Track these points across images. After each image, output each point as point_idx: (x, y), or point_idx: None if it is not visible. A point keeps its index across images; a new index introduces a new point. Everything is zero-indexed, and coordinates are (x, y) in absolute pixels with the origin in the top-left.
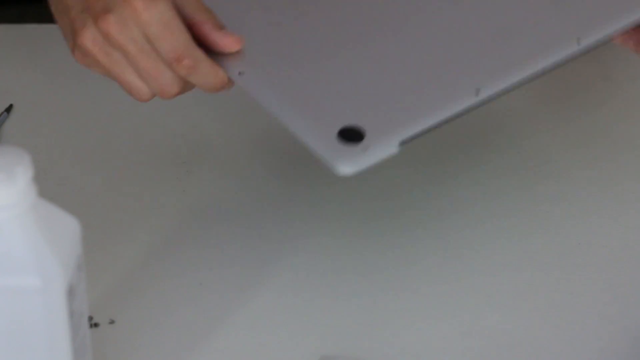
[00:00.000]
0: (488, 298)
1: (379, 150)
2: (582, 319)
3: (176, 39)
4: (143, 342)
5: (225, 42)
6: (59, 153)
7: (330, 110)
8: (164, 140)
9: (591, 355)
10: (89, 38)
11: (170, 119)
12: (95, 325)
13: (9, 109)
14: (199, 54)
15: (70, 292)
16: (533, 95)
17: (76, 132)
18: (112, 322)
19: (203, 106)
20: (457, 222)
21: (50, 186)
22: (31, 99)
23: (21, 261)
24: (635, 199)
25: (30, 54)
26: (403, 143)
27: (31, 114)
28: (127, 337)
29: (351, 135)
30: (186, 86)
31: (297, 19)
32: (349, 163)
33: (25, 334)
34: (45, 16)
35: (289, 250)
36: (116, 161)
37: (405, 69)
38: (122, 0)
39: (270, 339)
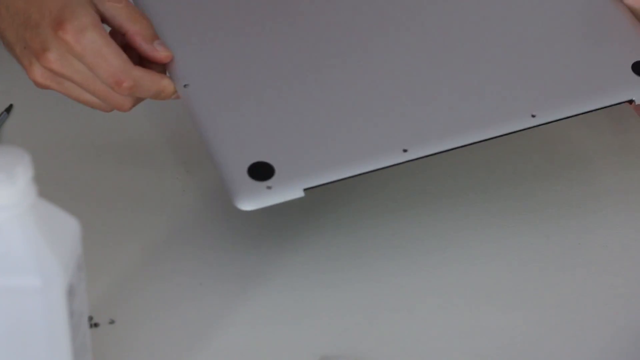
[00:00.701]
0: (488, 298)
1: (282, 192)
2: (582, 318)
3: (110, 65)
4: (143, 342)
5: (154, 55)
6: (59, 153)
7: (251, 143)
8: (163, 140)
9: (592, 355)
10: (38, 74)
11: (170, 119)
12: (95, 325)
13: (9, 109)
14: (137, 72)
15: (70, 292)
16: None
17: (76, 132)
18: (112, 322)
19: None
20: (457, 222)
21: (50, 186)
22: (31, 99)
23: (21, 261)
24: (636, 198)
25: None
26: (310, 189)
27: (31, 114)
28: (127, 337)
29: (260, 172)
30: (138, 99)
31: (256, 42)
32: (249, 199)
33: (25, 334)
34: None
35: (289, 250)
36: (116, 161)
37: (339, 117)
38: (54, 37)
39: (270, 339)
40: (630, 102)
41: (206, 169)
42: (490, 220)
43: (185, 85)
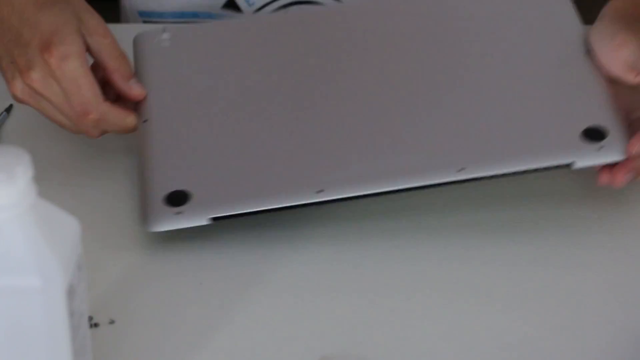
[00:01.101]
0: (488, 298)
1: (188, 219)
2: (582, 318)
3: (83, 95)
4: (143, 342)
5: (129, 92)
6: (59, 153)
7: (176, 172)
8: None
9: (592, 355)
10: (19, 89)
11: None
12: (95, 325)
13: (9, 109)
14: (105, 107)
15: (70, 292)
16: None
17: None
18: (112, 322)
19: None
20: (457, 222)
21: (51, 186)
22: None
23: (21, 261)
24: (636, 198)
25: None
26: (218, 219)
27: (31, 114)
28: (127, 337)
29: (177, 198)
30: (105, 130)
31: (215, 95)
32: (156, 221)
33: (25, 334)
34: None
35: (289, 250)
36: (116, 161)
37: (263, 159)
38: (40, 58)
39: (270, 339)
40: (568, 166)
41: None
42: (490, 220)
43: (145, 121)
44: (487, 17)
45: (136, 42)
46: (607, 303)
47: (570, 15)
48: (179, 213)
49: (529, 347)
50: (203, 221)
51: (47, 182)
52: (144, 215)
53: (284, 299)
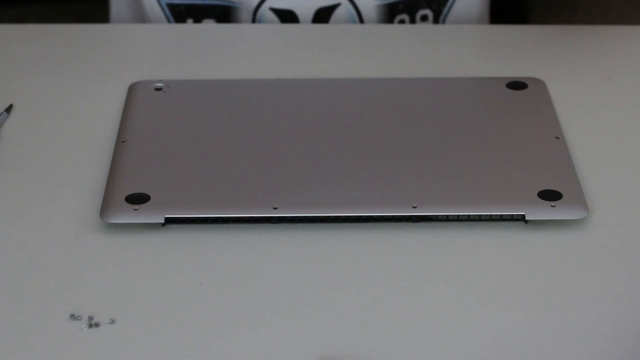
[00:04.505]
0: (488, 298)
1: (145, 216)
2: (582, 318)
3: None
4: (143, 342)
5: None
6: (59, 153)
7: (139, 181)
8: None
9: (592, 355)
10: None
11: None
12: (96, 325)
13: (9, 109)
14: None
15: None
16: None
17: (76, 132)
18: (112, 322)
19: None
20: (457, 222)
21: (51, 186)
22: (31, 99)
23: None
24: (636, 197)
25: (30, 54)
26: (171, 221)
27: (31, 114)
28: (127, 337)
29: (136, 199)
30: None
31: (192, 129)
32: (114, 214)
33: None
34: (45, 16)
35: (289, 250)
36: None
37: (226, 178)
38: None
39: (270, 339)
40: (524, 218)
41: None
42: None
43: (123, 141)
44: (475, 99)
45: (131, 88)
46: (607, 303)
47: (547, 101)
48: (136, 210)
49: (528, 347)
50: (160, 220)
51: (47, 182)
52: (104, 208)
53: (283, 299)
